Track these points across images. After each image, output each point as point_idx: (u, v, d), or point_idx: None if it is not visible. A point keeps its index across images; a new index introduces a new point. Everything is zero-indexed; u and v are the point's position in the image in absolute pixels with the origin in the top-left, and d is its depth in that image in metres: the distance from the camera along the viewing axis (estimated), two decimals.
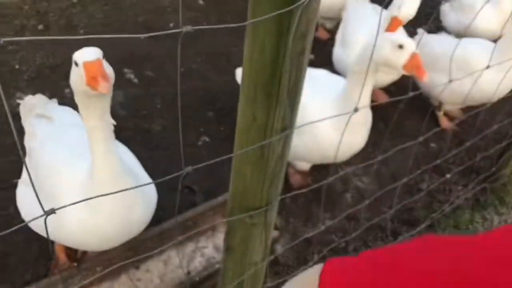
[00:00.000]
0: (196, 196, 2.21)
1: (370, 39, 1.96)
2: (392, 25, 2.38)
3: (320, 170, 2.45)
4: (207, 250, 1.93)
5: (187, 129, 2.56)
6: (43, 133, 1.67)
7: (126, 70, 2.80)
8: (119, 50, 2.92)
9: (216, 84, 2.83)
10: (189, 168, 0.83)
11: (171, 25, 3.24)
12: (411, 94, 1.31)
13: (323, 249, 2.04)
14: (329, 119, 1.81)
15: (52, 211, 0.70)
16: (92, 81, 1.13)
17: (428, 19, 4.22)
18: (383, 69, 1.91)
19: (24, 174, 1.71)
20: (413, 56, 1.74)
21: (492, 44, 2.55)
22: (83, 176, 1.42)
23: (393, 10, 2.43)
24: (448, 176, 2.30)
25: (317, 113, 1.99)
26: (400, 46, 1.75)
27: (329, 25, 3.53)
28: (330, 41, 3.38)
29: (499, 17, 3.08)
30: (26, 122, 1.76)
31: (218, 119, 2.66)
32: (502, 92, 2.52)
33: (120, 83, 2.70)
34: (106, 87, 1.12)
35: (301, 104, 2.05)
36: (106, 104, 1.28)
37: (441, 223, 2.30)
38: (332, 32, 3.51)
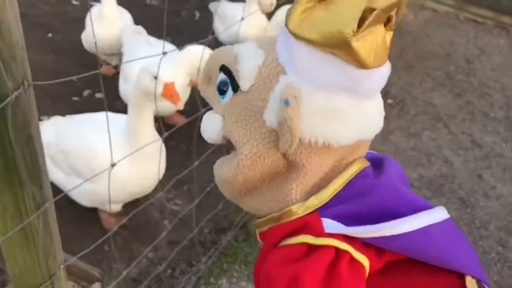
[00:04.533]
0: (5, 274, 2.08)
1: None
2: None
3: (131, 205, 2.50)
4: None
5: None
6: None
7: None
8: None
9: None
10: None
11: None
12: (203, 110, 1.47)
13: (150, 283, 2.10)
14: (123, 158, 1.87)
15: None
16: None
17: (206, 35, 4.55)
18: (153, 98, 2.04)
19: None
20: (166, 86, 1.91)
21: None
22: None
23: None
24: None
25: (108, 156, 2.04)
26: (155, 77, 1.90)
27: (114, 61, 3.57)
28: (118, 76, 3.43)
29: (257, 23, 3.50)
30: None
31: None
32: None
33: None
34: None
35: (90, 151, 2.07)
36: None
37: (252, 219, 2.54)
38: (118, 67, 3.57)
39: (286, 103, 0.51)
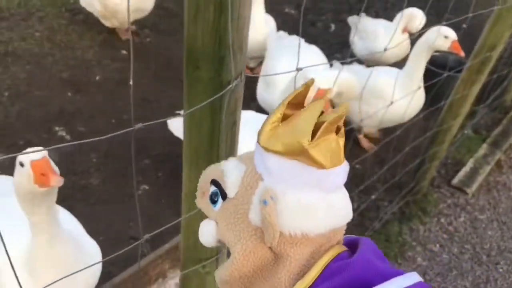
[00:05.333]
0: (143, 245, 2.26)
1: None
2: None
3: None
4: None
5: (126, 180, 2.61)
6: None
7: (57, 127, 2.81)
8: (48, 107, 2.93)
9: (148, 131, 2.90)
10: (147, 237, 0.93)
11: (97, 78, 3.29)
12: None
13: None
14: None
15: None
16: (41, 179, 1.18)
17: (340, 48, 4.58)
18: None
19: None
20: (317, 92, 1.96)
21: (400, 72, 2.83)
22: (24, 250, 1.43)
23: None
24: (373, 197, 2.52)
25: (246, 149, 2.14)
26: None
27: (252, 64, 3.73)
28: (255, 78, 3.59)
29: (397, 42, 3.44)
30: None
31: (154, 166, 2.73)
32: (412, 113, 2.81)
33: (52, 141, 2.71)
34: (58, 180, 1.17)
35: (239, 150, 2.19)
36: (52, 198, 1.32)
37: (373, 239, 2.50)
38: (254, 69, 3.72)
39: (265, 202, 0.62)
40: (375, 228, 2.54)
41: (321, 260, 0.65)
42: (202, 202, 0.76)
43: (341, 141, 0.64)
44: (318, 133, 0.60)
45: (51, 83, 3.14)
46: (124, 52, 3.65)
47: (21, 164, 1.21)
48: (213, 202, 0.72)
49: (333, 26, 4.91)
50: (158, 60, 3.64)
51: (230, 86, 0.83)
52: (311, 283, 0.65)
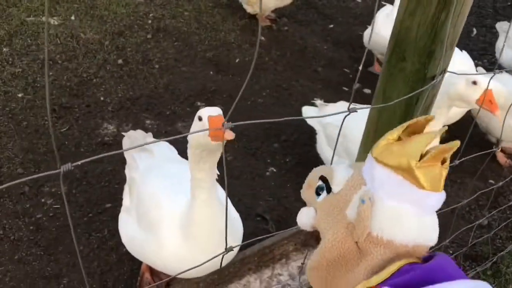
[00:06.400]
0: (268, 224, 2.36)
1: None
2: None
3: None
4: (282, 277, 2.06)
5: (255, 160, 2.72)
6: (144, 166, 1.86)
7: (199, 103, 3.00)
8: (192, 84, 3.14)
9: (279, 117, 2.99)
10: None
11: (237, 60, 3.44)
12: (495, 149, 1.44)
13: None
14: None
15: (231, 249, 0.86)
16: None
17: (481, 54, 4.31)
18: (457, 103, 2.03)
19: (127, 201, 1.89)
20: (487, 92, 1.88)
21: None
22: (182, 211, 1.57)
23: None
24: None
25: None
26: (474, 83, 1.89)
27: None
28: None
29: None
30: (128, 154, 1.96)
31: (283, 151, 2.81)
32: None
33: (194, 115, 2.90)
34: (231, 134, 1.24)
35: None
36: (216, 159, 1.43)
37: (504, 259, 2.36)
38: None
39: (363, 201, 0.71)
40: (506, 246, 2.39)
41: (397, 262, 0.73)
42: (307, 193, 0.88)
43: (444, 172, 0.72)
44: (427, 157, 0.69)
45: (196, 61, 3.35)
46: (262, 38, 3.77)
47: (200, 119, 1.32)
48: (317, 194, 0.83)
49: (474, 31, 4.63)
50: (293, 49, 3.72)
51: (434, 81, 0.84)
52: (385, 279, 0.73)
